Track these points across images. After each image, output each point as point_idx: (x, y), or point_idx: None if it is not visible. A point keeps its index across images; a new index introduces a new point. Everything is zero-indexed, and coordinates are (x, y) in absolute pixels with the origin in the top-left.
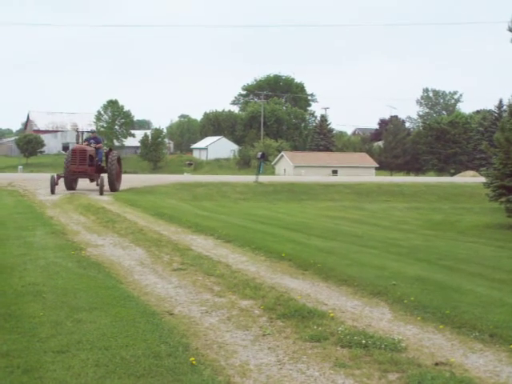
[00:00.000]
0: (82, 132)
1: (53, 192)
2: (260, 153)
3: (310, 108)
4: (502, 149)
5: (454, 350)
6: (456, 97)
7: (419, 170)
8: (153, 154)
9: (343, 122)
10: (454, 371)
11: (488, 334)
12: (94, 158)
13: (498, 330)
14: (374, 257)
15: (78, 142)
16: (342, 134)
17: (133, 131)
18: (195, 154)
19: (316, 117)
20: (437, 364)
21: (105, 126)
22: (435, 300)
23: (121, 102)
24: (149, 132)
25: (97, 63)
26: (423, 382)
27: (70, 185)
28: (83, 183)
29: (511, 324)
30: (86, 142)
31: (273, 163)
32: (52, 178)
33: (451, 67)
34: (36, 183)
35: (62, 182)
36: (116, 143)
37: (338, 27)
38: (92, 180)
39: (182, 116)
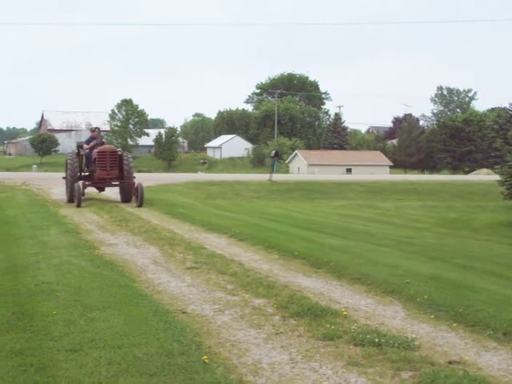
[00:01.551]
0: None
1: (79, 205)
2: (274, 151)
3: (323, 106)
4: None
5: (468, 348)
6: (470, 94)
7: (433, 168)
8: (167, 152)
9: (357, 120)
10: (468, 370)
11: (502, 332)
12: None
13: None
14: (388, 255)
15: (100, 143)
16: (355, 132)
17: (147, 130)
18: (209, 153)
19: (330, 115)
20: (450, 362)
21: (119, 124)
22: (449, 298)
23: (135, 101)
24: (163, 131)
25: (111, 62)
26: (436, 381)
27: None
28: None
29: None
30: (92, 144)
31: (287, 162)
32: (77, 187)
33: (466, 65)
34: (50, 182)
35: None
36: (130, 142)
37: (352, 25)
38: (101, 190)
39: (196, 115)
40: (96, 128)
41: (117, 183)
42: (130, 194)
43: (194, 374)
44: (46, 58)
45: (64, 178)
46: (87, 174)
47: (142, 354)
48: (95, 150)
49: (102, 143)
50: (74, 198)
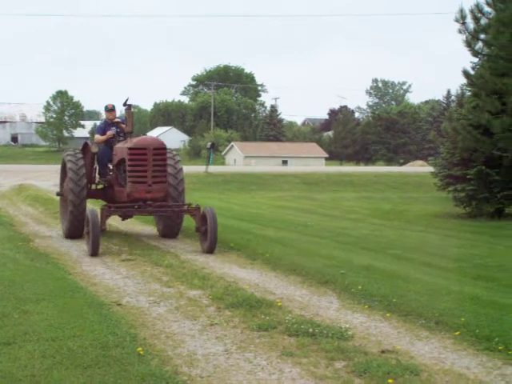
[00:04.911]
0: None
1: (96, 253)
2: (210, 143)
3: (259, 98)
4: (449, 138)
5: (401, 337)
6: (405, 87)
7: (369, 160)
8: None
9: (293, 112)
10: (400, 358)
11: (434, 321)
12: None
13: (444, 318)
14: (323, 246)
15: (129, 132)
16: (291, 124)
17: (82, 122)
18: None
19: (266, 107)
20: (383, 352)
21: (54, 116)
22: (382, 288)
23: (70, 93)
24: (98, 122)
25: (45, 54)
26: (369, 370)
27: (81, 225)
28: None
29: (457, 311)
30: (111, 133)
31: (223, 153)
32: (92, 215)
33: (400, 58)
34: None
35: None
36: (66, 134)
37: (287, 17)
38: (128, 217)
39: (132, 107)
40: (127, 105)
41: (167, 210)
42: (179, 224)
43: (129, 366)
44: None
45: (59, 194)
46: (101, 187)
47: (77, 347)
48: (121, 145)
49: (128, 132)
50: (86, 235)
